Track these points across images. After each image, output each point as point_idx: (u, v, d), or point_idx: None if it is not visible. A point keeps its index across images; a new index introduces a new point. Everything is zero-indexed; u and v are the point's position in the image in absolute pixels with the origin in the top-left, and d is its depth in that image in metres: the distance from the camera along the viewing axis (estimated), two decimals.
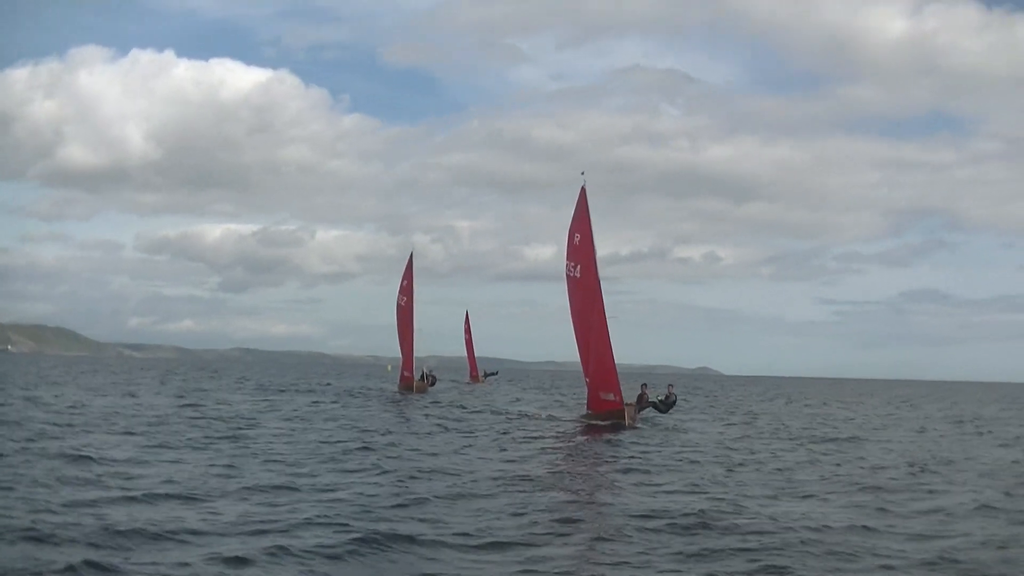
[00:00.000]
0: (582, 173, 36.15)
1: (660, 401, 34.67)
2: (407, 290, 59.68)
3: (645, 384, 36.16)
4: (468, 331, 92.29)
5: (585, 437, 29.90)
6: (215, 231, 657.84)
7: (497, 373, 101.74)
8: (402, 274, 60.51)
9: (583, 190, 35.96)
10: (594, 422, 33.98)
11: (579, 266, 35.78)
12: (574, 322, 36.75)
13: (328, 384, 70.06)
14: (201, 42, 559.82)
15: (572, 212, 36.30)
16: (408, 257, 60.00)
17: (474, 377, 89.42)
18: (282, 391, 55.17)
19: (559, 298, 37.13)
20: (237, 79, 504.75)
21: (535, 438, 28.56)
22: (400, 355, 60.41)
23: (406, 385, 59.04)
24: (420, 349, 59.39)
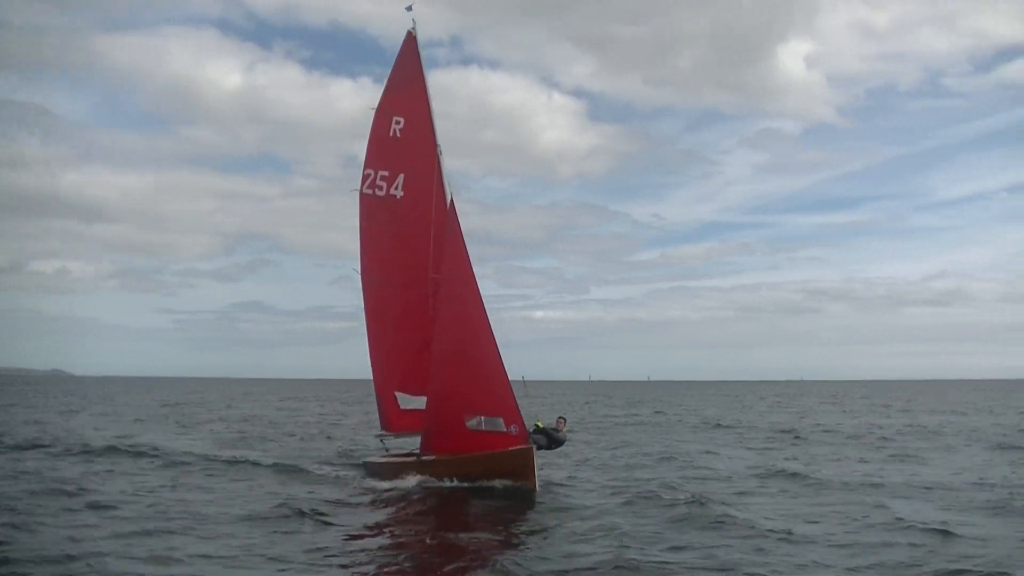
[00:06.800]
0: (409, 8, 19.86)
1: (539, 431, 19.18)
2: None
3: None
4: None
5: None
6: None
7: None
8: None
9: (411, 38, 19.80)
10: (445, 482, 17.80)
11: (403, 177, 19.45)
12: (373, 284, 20.25)
13: None
14: None
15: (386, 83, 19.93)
16: None
17: None
18: None
19: None
20: None
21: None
22: None
23: None
24: None
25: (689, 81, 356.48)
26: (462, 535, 13.54)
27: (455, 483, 17.47)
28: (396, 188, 19.40)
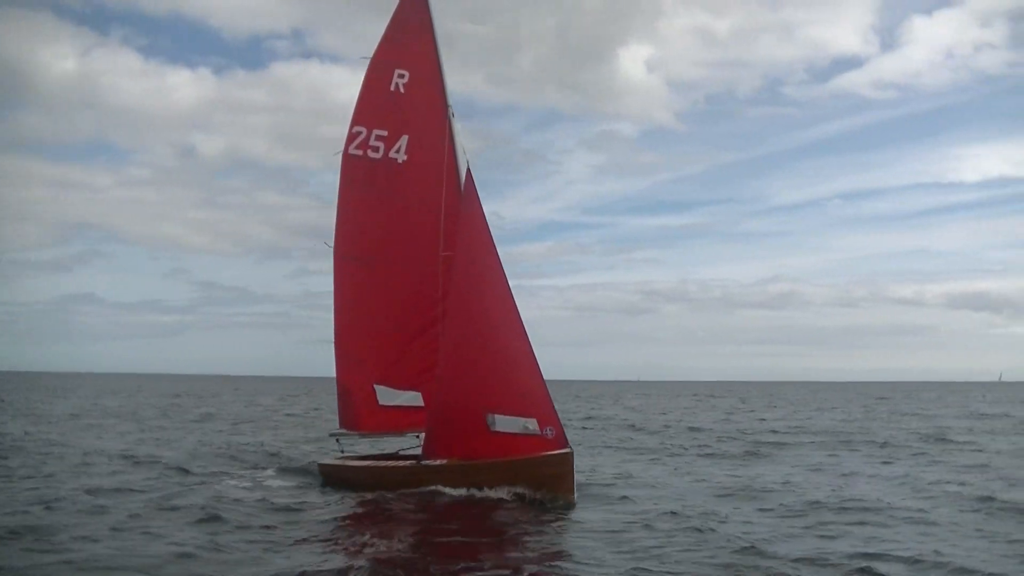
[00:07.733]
0: None
1: None
2: None
3: None
4: None
5: None
6: None
7: None
8: None
9: None
10: (461, 489, 15.31)
11: (407, 139, 17.01)
12: (353, 260, 17.64)
13: None
14: None
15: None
16: None
17: None
18: None
19: None
20: None
21: None
22: None
23: None
24: None
25: (531, 81, 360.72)
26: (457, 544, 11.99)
27: (471, 492, 15.22)
28: (397, 151, 16.88)
